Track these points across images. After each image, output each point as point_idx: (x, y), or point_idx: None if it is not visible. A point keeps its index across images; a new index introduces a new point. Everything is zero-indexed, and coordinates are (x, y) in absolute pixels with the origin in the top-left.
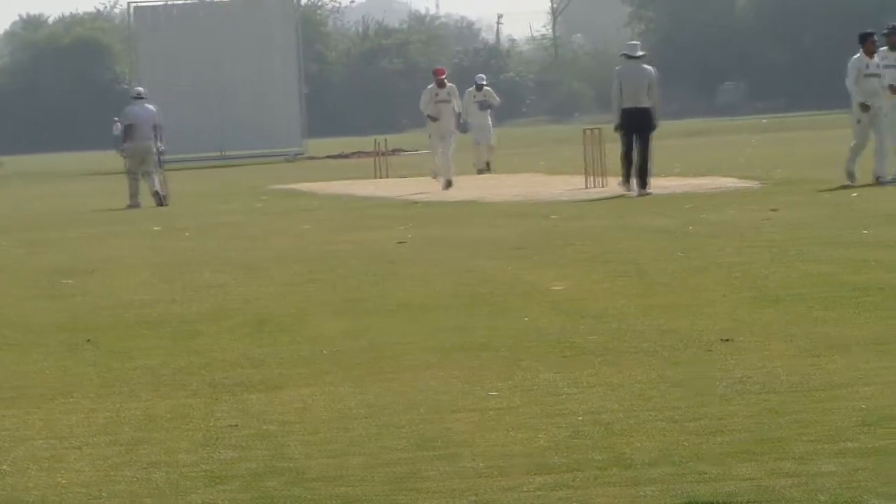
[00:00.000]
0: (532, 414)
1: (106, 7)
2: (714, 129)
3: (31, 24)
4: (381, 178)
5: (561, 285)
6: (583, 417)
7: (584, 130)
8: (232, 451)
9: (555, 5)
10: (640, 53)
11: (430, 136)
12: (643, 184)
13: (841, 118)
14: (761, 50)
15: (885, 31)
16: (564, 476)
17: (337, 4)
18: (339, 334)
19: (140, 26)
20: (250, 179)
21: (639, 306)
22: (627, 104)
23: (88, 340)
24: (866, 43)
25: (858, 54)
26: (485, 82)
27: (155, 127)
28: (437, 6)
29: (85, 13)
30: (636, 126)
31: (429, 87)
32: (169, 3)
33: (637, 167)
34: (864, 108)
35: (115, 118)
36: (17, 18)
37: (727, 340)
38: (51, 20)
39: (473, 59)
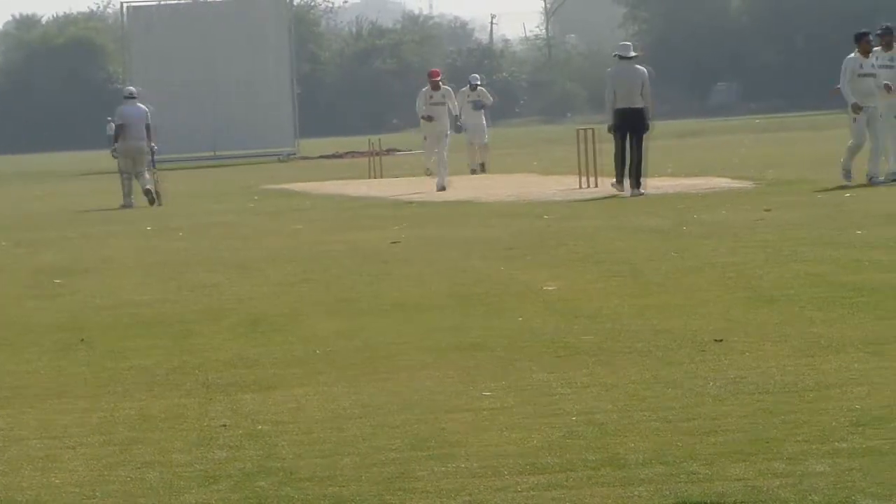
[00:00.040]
0: (526, 414)
1: (99, 7)
2: (707, 130)
3: (25, 23)
4: (374, 178)
5: (554, 285)
6: (576, 417)
7: (578, 131)
8: (225, 450)
9: (548, 5)
10: (632, 54)
11: (424, 137)
12: (636, 184)
13: (834, 119)
14: (754, 51)
15: (879, 32)
16: (558, 476)
17: (330, 4)
18: (332, 334)
19: (133, 26)
20: (243, 179)
21: (632, 306)
22: (620, 105)
23: (82, 340)
24: (861, 42)
25: (853, 54)
26: (479, 82)
27: (147, 127)
28: (431, 6)
29: (78, 13)
30: (629, 126)
31: (423, 89)
32: (162, 2)
33: (630, 168)
34: (857, 109)
35: (109, 118)
36: (10, 18)
37: (721, 341)
38: (44, 20)
39: (467, 60)
